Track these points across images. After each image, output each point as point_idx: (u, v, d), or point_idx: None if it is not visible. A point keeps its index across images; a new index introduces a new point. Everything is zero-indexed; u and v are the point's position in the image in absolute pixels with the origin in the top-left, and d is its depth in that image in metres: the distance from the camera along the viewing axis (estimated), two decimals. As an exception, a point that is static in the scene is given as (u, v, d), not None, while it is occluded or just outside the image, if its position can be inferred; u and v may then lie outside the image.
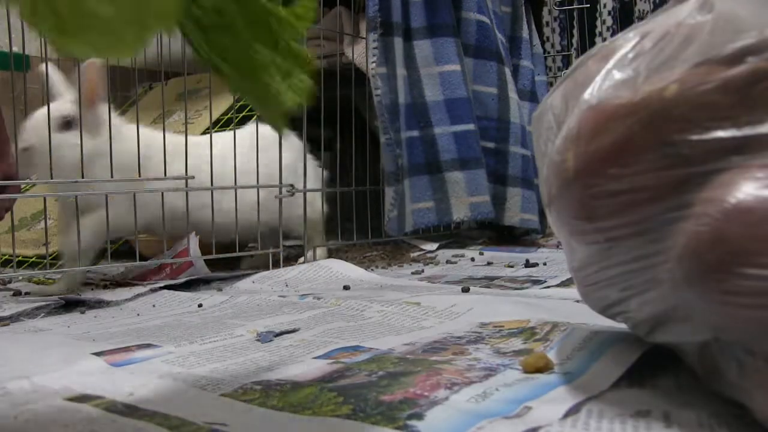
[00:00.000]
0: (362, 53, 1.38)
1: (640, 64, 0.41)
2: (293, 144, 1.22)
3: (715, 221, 0.36)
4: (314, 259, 1.20)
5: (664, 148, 0.39)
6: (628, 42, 0.43)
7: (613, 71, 0.42)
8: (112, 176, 0.99)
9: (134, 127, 1.03)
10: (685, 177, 0.38)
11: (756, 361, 0.36)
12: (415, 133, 1.39)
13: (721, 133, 0.37)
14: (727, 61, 0.38)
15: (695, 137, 0.38)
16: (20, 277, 1.11)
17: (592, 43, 1.89)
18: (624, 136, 0.40)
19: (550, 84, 1.72)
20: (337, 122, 1.30)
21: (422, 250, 1.41)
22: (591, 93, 0.42)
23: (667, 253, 0.39)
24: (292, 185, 1.18)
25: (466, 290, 0.90)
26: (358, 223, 1.40)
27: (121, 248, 1.23)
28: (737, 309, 0.35)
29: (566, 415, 0.41)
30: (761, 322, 0.34)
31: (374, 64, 1.32)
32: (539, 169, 0.50)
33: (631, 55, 0.42)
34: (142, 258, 1.09)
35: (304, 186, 1.19)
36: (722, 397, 0.41)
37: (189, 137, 1.09)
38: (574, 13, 1.90)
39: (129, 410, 0.44)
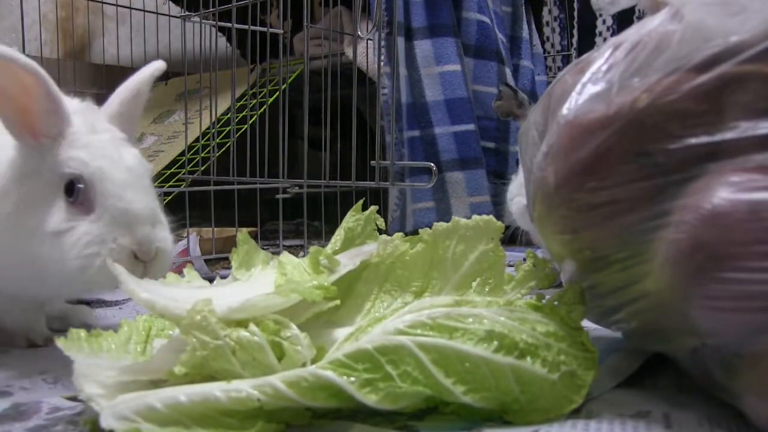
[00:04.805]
0: (363, 53, 1.37)
1: (614, 76, 0.41)
2: None
3: (692, 228, 0.36)
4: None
5: (639, 159, 0.39)
6: (602, 54, 0.43)
7: (588, 84, 0.42)
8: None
9: None
10: (662, 186, 0.38)
11: (743, 363, 0.36)
12: (415, 133, 1.39)
13: (693, 140, 0.37)
14: (696, 68, 0.38)
15: (669, 146, 0.38)
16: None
17: (592, 43, 1.89)
18: (600, 149, 0.40)
19: (550, 84, 1.72)
20: (338, 122, 1.30)
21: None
22: (568, 107, 0.43)
23: (650, 262, 0.39)
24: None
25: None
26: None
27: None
28: (720, 313, 0.35)
29: (566, 415, 0.41)
30: (745, 324, 0.35)
31: (381, 63, 1.32)
32: (526, 184, 0.50)
33: (604, 68, 0.42)
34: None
35: (305, 185, 1.20)
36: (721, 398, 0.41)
37: None
38: (574, 13, 1.90)
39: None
